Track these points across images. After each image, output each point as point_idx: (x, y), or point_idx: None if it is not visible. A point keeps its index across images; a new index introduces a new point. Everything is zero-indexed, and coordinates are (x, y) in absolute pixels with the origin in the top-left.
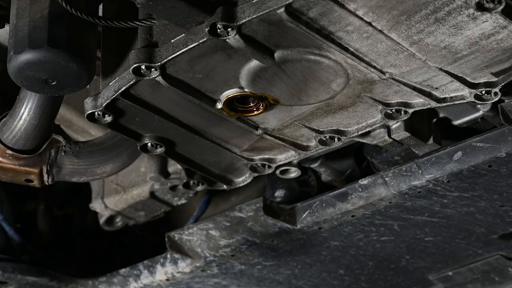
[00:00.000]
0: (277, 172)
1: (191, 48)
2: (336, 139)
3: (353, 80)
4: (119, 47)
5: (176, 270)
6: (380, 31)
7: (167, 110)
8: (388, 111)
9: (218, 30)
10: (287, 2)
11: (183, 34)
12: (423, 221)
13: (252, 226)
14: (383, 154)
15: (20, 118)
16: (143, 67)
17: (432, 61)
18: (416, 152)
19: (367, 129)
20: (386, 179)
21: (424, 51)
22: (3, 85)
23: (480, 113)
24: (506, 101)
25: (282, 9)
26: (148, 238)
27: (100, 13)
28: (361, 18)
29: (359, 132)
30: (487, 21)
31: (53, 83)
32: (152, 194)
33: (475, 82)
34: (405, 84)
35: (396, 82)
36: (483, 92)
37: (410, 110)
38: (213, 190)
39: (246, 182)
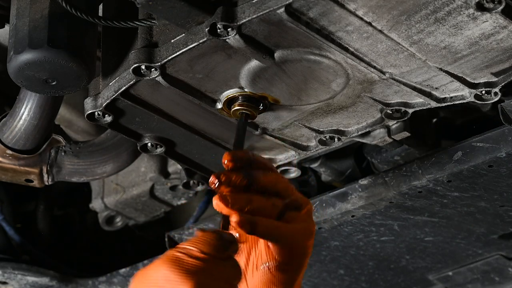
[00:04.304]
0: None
1: (191, 48)
2: (336, 139)
3: (353, 80)
4: (119, 47)
5: None
6: (380, 31)
7: (167, 110)
8: (388, 111)
9: (218, 30)
10: (287, 2)
11: (183, 34)
12: (423, 221)
13: None
14: (383, 154)
15: (20, 118)
16: (143, 67)
17: (432, 61)
18: (416, 152)
19: (367, 129)
20: (386, 179)
21: (424, 51)
22: (3, 85)
23: (480, 113)
24: (506, 101)
25: (282, 9)
26: (148, 238)
27: (100, 13)
28: (361, 18)
29: (359, 132)
30: (487, 21)
31: (53, 83)
32: (152, 194)
33: (475, 82)
34: (405, 84)
35: (396, 82)
36: (483, 92)
37: (410, 110)
38: (213, 190)
39: None
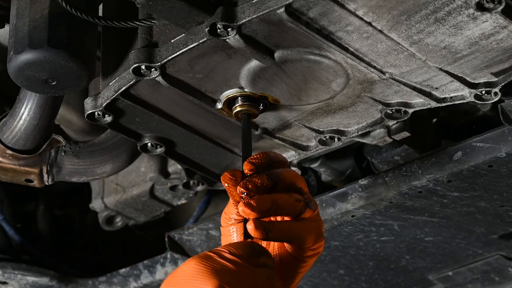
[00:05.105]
0: None
1: (191, 48)
2: (336, 139)
3: (353, 80)
4: (119, 47)
5: None
6: (380, 31)
7: (167, 110)
8: (388, 111)
9: (218, 30)
10: (287, 2)
11: (183, 34)
12: (423, 221)
13: None
14: (383, 154)
15: (20, 118)
16: (143, 67)
17: (432, 61)
18: (416, 152)
19: (367, 129)
20: (386, 179)
21: (424, 51)
22: (3, 85)
23: (480, 113)
24: (506, 101)
25: (282, 9)
26: (148, 238)
27: (100, 13)
28: (361, 18)
29: (359, 132)
30: (487, 21)
31: (53, 83)
32: (152, 194)
33: (475, 82)
34: (405, 84)
35: (396, 82)
36: (483, 92)
37: (410, 110)
38: (213, 190)
39: None
